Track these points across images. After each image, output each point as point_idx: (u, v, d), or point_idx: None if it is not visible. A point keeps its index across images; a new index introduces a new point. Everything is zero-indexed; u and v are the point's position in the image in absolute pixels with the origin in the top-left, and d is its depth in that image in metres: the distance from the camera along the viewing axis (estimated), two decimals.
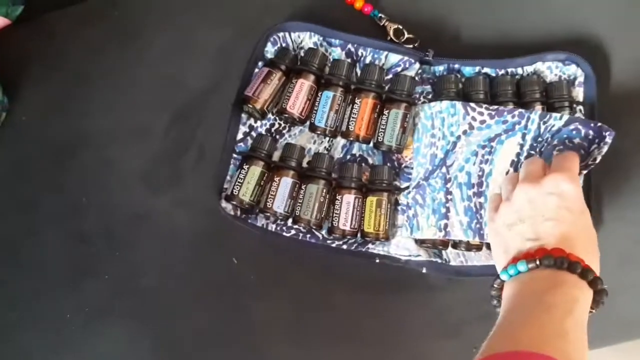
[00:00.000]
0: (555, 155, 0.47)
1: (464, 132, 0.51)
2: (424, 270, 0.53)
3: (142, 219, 0.57)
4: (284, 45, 0.55)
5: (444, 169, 0.52)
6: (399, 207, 0.53)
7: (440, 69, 0.55)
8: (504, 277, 0.42)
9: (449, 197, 0.51)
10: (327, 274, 0.55)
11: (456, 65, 0.55)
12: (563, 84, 0.54)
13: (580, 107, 0.54)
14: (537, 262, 0.40)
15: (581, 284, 0.39)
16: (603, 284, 0.40)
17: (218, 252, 0.56)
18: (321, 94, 0.53)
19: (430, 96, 0.55)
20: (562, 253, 0.40)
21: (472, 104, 0.51)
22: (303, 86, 0.52)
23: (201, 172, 0.57)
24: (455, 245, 0.53)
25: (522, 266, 0.40)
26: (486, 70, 0.55)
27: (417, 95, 0.55)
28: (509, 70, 0.54)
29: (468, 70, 0.54)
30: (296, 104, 0.52)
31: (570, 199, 0.42)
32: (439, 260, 0.53)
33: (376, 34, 0.56)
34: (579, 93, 0.55)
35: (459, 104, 0.51)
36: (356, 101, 0.52)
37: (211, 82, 0.58)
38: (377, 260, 0.53)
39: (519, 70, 0.55)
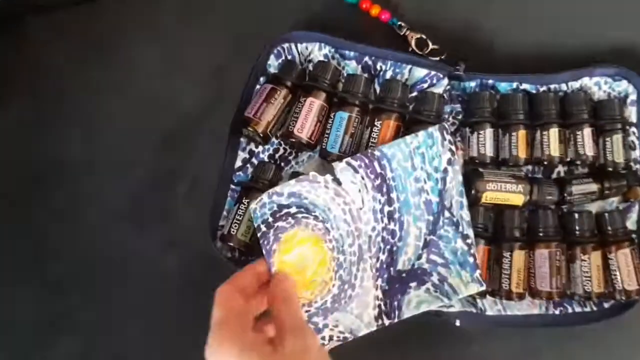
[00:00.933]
0: None
1: (449, 162, 0.45)
2: (458, 323, 0.47)
3: (124, 263, 0.51)
4: (289, 58, 0.48)
5: (447, 214, 0.45)
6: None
7: (471, 84, 0.47)
8: None
9: (469, 241, 0.45)
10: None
11: (490, 81, 0.48)
12: (614, 103, 0.48)
13: (634, 129, 0.48)
14: None
15: None
16: None
17: (211, 299, 0.46)
18: (334, 115, 0.45)
19: (460, 116, 0.47)
20: None
21: (446, 124, 0.46)
22: (313, 106, 0.44)
23: (194, 207, 0.51)
24: (494, 292, 0.46)
25: None
26: (525, 86, 0.48)
27: (446, 116, 0.46)
28: (552, 86, 0.47)
29: (504, 86, 0.47)
30: (305, 126, 0.44)
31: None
32: (474, 310, 0.47)
33: (396, 45, 0.50)
34: (632, 113, 0.49)
35: (436, 131, 0.45)
36: (376, 123, 0.44)
37: (204, 104, 0.53)
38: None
39: (563, 87, 0.47)
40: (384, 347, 0.48)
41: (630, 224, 0.47)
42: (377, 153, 0.44)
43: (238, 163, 0.48)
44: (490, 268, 0.46)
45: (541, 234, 0.47)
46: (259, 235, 0.43)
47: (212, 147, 0.50)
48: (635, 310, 0.46)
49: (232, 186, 0.48)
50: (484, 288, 0.44)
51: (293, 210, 0.44)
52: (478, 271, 0.44)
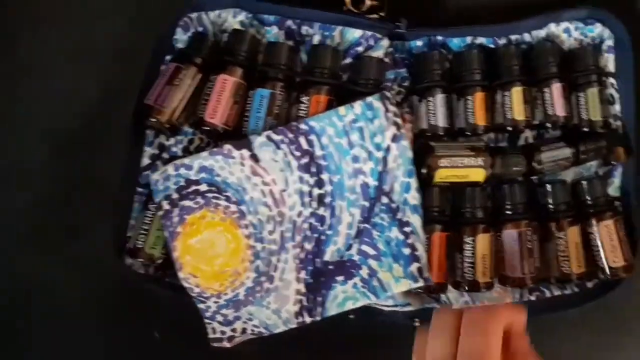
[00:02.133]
0: (463, 319, 0.34)
1: (393, 138, 0.41)
2: (417, 324, 0.43)
3: (25, 290, 0.47)
4: (200, 30, 0.39)
5: (384, 199, 0.41)
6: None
7: (418, 44, 0.40)
8: None
9: (407, 229, 0.40)
10: (287, 340, 0.43)
11: (439, 38, 0.43)
12: (587, 51, 0.44)
13: (612, 79, 0.43)
14: None
15: None
16: None
17: (134, 326, 0.46)
18: (253, 94, 0.36)
19: (407, 83, 0.39)
20: None
21: (388, 93, 0.41)
22: (226, 84, 0.37)
23: (102, 217, 0.45)
24: (457, 284, 0.43)
25: None
26: (481, 41, 0.42)
27: (389, 84, 0.39)
28: (513, 38, 0.42)
29: (456, 42, 0.42)
30: (218, 110, 0.37)
31: None
32: (437, 306, 0.43)
33: (330, 5, 0.44)
34: (608, 61, 0.44)
35: (376, 100, 0.41)
36: (302, 99, 0.37)
37: (108, 96, 0.48)
38: (352, 316, 0.43)
39: (527, 37, 0.40)
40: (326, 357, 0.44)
41: (613, 191, 0.43)
42: (303, 127, 0.40)
43: (145, 161, 0.43)
44: (451, 257, 0.42)
45: (509, 212, 0.43)
46: (160, 214, 0.40)
47: (121, 146, 0.44)
48: (622, 289, 0.43)
49: (139, 189, 0.41)
50: (418, 285, 0.41)
51: (203, 188, 0.40)
52: (416, 264, 0.41)
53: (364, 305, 0.42)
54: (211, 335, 0.41)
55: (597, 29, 0.43)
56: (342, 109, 0.40)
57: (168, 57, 0.43)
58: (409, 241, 0.40)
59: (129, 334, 0.46)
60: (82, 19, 0.48)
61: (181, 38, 0.44)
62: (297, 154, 0.40)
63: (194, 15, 0.43)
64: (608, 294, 0.44)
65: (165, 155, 0.43)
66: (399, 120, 0.41)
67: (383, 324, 0.44)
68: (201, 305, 0.41)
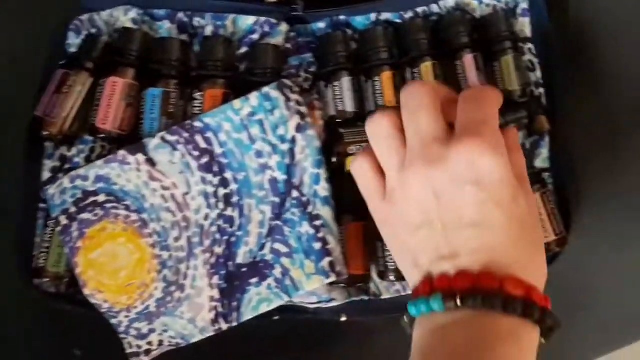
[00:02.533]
0: (460, 97, 0.33)
1: (298, 128, 0.38)
2: (344, 319, 0.41)
3: None
4: (93, 31, 0.37)
5: (295, 193, 0.39)
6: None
7: (320, 26, 0.37)
8: (412, 312, 0.31)
9: (317, 223, 0.38)
10: (211, 350, 0.41)
11: (342, 17, 0.37)
12: (499, 17, 0.38)
13: (530, 45, 0.39)
14: (458, 302, 0.29)
15: (523, 326, 0.29)
16: (553, 318, 0.30)
17: (52, 346, 0.44)
18: (145, 94, 0.34)
19: (313, 68, 0.36)
20: (493, 283, 0.29)
21: (288, 81, 0.39)
22: (116, 87, 0.35)
23: (6, 238, 0.42)
24: (383, 274, 0.40)
25: (436, 304, 0.30)
26: (386, 16, 0.38)
27: (294, 71, 0.37)
28: (419, 10, 0.38)
29: (360, 21, 0.39)
30: (109, 115, 0.35)
31: (495, 184, 0.30)
32: (366, 297, 0.41)
33: None
34: (524, 26, 0.38)
35: (274, 90, 0.38)
36: (196, 95, 0.34)
37: (2, 109, 0.45)
38: (276, 317, 0.41)
39: (435, 8, 0.37)
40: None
41: (541, 162, 0.41)
42: (197, 124, 0.38)
43: (46, 174, 0.40)
44: (371, 246, 0.40)
45: None
46: (58, 230, 0.38)
47: (17, 161, 0.41)
48: (557, 265, 0.41)
49: (42, 205, 0.39)
50: (330, 280, 0.38)
51: (101, 198, 0.38)
52: (327, 259, 0.38)
53: (289, 304, 0.40)
54: (128, 350, 0.39)
55: None
56: (237, 103, 0.38)
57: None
58: (320, 235, 0.38)
59: (49, 354, 0.43)
60: None
61: (74, 42, 0.41)
62: (196, 153, 0.38)
63: (85, 17, 0.41)
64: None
65: (68, 167, 0.41)
66: (302, 109, 0.38)
67: (309, 322, 0.42)
68: (113, 321, 0.39)
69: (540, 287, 0.31)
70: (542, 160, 0.41)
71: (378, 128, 0.33)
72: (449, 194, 0.30)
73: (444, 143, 0.30)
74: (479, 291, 0.29)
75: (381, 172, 0.34)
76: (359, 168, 0.34)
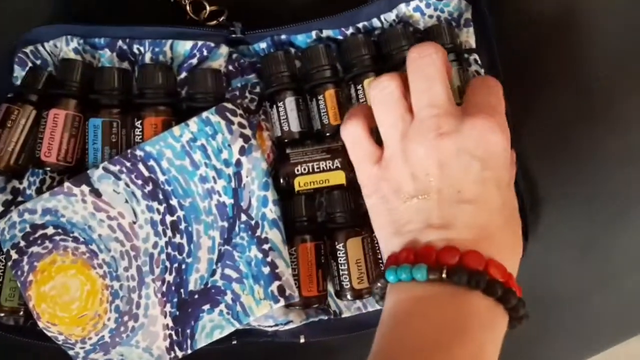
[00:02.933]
0: (472, 81, 0.35)
1: (242, 151, 0.38)
2: (302, 340, 0.41)
3: None
4: (38, 63, 0.37)
5: (243, 217, 0.39)
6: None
7: (262, 46, 0.37)
8: (390, 277, 0.31)
9: (266, 247, 0.38)
10: None
11: (283, 36, 0.36)
12: (441, 28, 0.37)
13: (475, 55, 0.38)
14: (443, 274, 0.29)
15: (498, 311, 0.30)
16: (525, 308, 0.31)
17: None
18: (87, 125, 0.34)
19: (257, 89, 0.36)
20: (480, 263, 0.30)
21: (229, 104, 0.38)
22: (58, 119, 0.35)
23: None
24: (339, 293, 0.41)
25: (419, 273, 0.30)
26: (327, 33, 0.37)
27: (237, 92, 0.36)
28: (360, 26, 0.37)
29: (302, 39, 0.38)
30: (53, 147, 0.35)
31: (499, 165, 0.32)
32: (325, 317, 0.41)
33: (169, 17, 0.42)
34: (469, 36, 0.38)
35: (213, 115, 0.38)
36: (136, 124, 0.33)
37: None
38: (234, 342, 0.41)
39: (376, 23, 0.36)
40: None
41: None
42: (138, 153, 0.38)
43: None
44: (326, 266, 0.41)
45: None
46: (9, 264, 0.38)
47: None
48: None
49: None
50: (280, 305, 0.38)
51: (50, 231, 0.38)
52: (276, 283, 0.38)
53: (247, 327, 0.40)
54: None
55: (453, 3, 0.40)
56: (176, 129, 0.38)
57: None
58: (269, 259, 0.38)
59: None
60: None
61: (20, 74, 0.41)
62: (139, 182, 0.38)
63: (28, 49, 0.41)
64: None
65: (20, 200, 0.41)
66: (246, 132, 0.38)
67: (268, 345, 0.41)
68: (71, 352, 0.39)
69: (514, 277, 0.32)
70: None
71: (386, 92, 0.33)
72: (454, 165, 0.31)
73: (458, 117, 0.31)
74: (464, 268, 0.29)
75: (373, 136, 0.35)
76: (352, 132, 0.35)
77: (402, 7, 0.40)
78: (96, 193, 0.38)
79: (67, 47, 0.41)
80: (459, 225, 0.30)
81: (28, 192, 0.41)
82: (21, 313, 0.39)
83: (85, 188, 0.38)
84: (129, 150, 0.38)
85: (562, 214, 0.44)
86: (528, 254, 0.41)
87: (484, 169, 0.31)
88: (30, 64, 0.41)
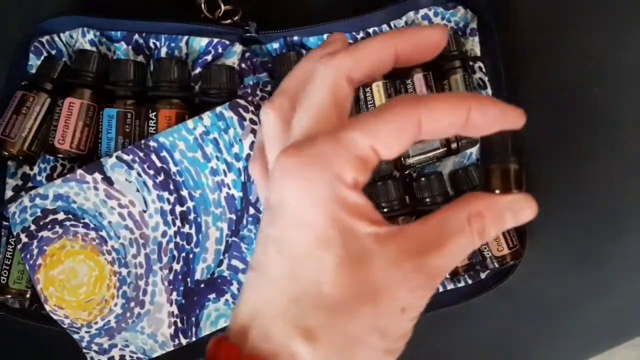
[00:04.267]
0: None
1: (252, 147, 0.40)
2: None
3: None
4: (53, 53, 0.38)
5: (251, 210, 0.40)
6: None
7: (275, 46, 0.38)
8: None
9: None
10: None
11: (295, 38, 0.38)
12: (449, 37, 0.38)
13: (480, 63, 0.40)
14: None
15: None
16: None
17: None
18: (102, 114, 0.35)
19: (268, 87, 0.38)
20: None
21: (242, 101, 0.40)
22: (73, 108, 0.36)
23: None
24: None
25: None
26: None
27: (249, 90, 0.37)
28: (370, 31, 0.39)
29: (313, 41, 0.40)
30: (67, 135, 0.36)
31: None
32: None
33: (185, 13, 0.43)
34: (474, 45, 0.39)
35: (226, 110, 0.40)
36: (150, 115, 0.35)
37: None
38: None
39: (386, 29, 0.39)
40: None
41: None
42: (152, 143, 0.40)
43: (9, 193, 0.41)
44: None
45: (385, 210, 0.42)
46: (19, 247, 0.39)
47: None
48: (516, 277, 0.43)
49: (5, 223, 0.39)
50: None
51: (60, 216, 0.39)
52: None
53: None
54: None
55: (460, 13, 0.42)
56: (190, 122, 0.39)
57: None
58: None
59: None
60: None
61: (35, 63, 0.42)
62: (151, 172, 0.39)
63: (44, 38, 0.42)
64: (503, 282, 0.43)
65: (30, 185, 0.42)
66: (257, 128, 0.40)
67: None
68: (76, 336, 0.40)
69: None
70: None
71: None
72: None
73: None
74: None
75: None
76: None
77: (411, 15, 0.42)
78: (108, 181, 0.39)
79: (83, 38, 0.42)
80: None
81: (38, 178, 0.42)
82: (27, 296, 0.41)
83: (97, 176, 0.39)
84: (142, 141, 0.39)
85: (559, 222, 0.46)
86: (525, 260, 0.43)
87: None
88: (45, 53, 0.43)
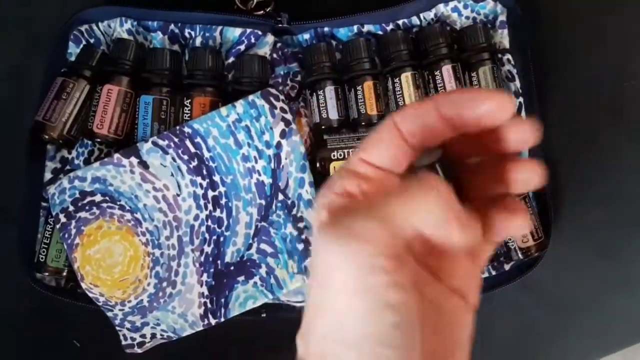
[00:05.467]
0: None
1: (283, 134, 0.41)
2: (264, 315, 0.44)
3: None
4: (92, 41, 0.39)
5: (280, 196, 0.42)
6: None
7: (305, 37, 0.39)
8: None
9: (301, 225, 0.41)
10: (200, 346, 0.44)
11: (326, 29, 0.39)
12: (477, 29, 0.39)
13: (508, 55, 0.41)
14: None
15: None
16: None
17: (53, 338, 0.46)
18: (139, 101, 0.36)
19: (299, 77, 0.39)
20: None
21: (273, 90, 0.41)
22: (111, 94, 0.37)
23: (8, 236, 0.44)
24: None
25: None
26: (369, 28, 0.40)
27: (280, 79, 0.39)
28: (400, 22, 0.39)
29: (344, 32, 0.40)
30: (105, 120, 0.37)
31: None
32: None
33: (219, 4, 0.44)
34: (503, 38, 0.39)
35: (258, 98, 0.41)
36: (185, 103, 0.36)
37: (3, 113, 0.47)
38: (264, 315, 0.44)
39: (415, 21, 0.39)
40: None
41: None
42: (187, 130, 0.41)
43: (48, 175, 0.43)
44: None
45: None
46: (58, 227, 0.41)
47: (20, 163, 0.44)
48: (540, 270, 0.43)
49: (44, 204, 0.42)
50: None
51: (98, 198, 0.41)
52: (309, 259, 0.40)
53: (276, 302, 0.43)
54: (123, 342, 0.42)
55: (489, 5, 0.43)
56: (223, 109, 0.41)
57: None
58: (303, 236, 0.41)
59: (50, 345, 0.46)
60: None
61: (74, 51, 0.45)
62: (185, 157, 0.41)
63: (83, 27, 0.44)
64: (527, 274, 0.44)
65: (68, 168, 0.44)
66: (287, 116, 0.41)
67: (295, 321, 0.44)
68: (109, 314, 0.42)
69: None
70: None
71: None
72: None
73: None
74: None
75: None
76: None
77: (441, 7, 0.43)
78: (144, 165, 0.41)
79: (120, 27, 0.44)
80: None
81: (76, 162, 0.44)
82: (64, 274, 0.43)
83: (134, 160, 0.41)
84: (177, 127, 0.41)
85: (584, 216, 0.46)
86: (549, 254, 0.44)
87: None
88: (84, 42, 0.44)
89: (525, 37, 0.43)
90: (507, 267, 0.45)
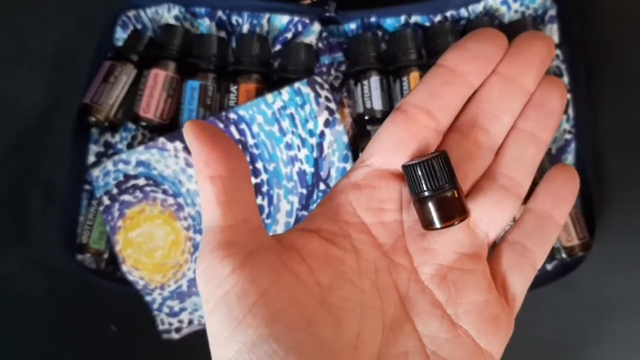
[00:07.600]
0: None
1: (326, 124, 0.41)
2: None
3: None
4: (138, 27, 0.40)
5: (322, 186, 0.42)
6: None
7: (352, 27, 0.39)
8: None
9: None
10: None
11: (373, 19, 0.40)
12: (526, 23, 0.39)
13: (557, 51, 0.39)
14: None
15: None
16: None
17: (90, 320, 0.47)
18: (185, 86, 0.37)
19: (343, 67, 0.39)
20: None
21: (318, 78, 0.41)
22: (158, 79, 0.38)
23: (52, 217, 0.46)
24: None
25: None
26: (416, 19, 0.40)
27: (325, 69, 0.39)
28: (448, 14, 0.39)
29: (390, 23, 0.40)
30: (151, 105, 0.38)
31: None
32: None
33: None
34: (552, 32, 0.39)
35: (304, 86, 0.41)
36: (231, 89, 0.37)
37: (51, 96, 0.49)
38: None
39: (464, 13, 0.39)
40: None
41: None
42: (232, 116, 0.42)
43: (91, 158, 0.44)
44: None
45: None
46: (101, 209, 0.42)
47: (65, 146, 0.46)
48: (580, 272, 0.43)
49: (87, 186, 0.42)
50: None
51: (141, 182, 0.42)
52: None
53: None
54: (160, 327, 0.43)
55: (539, 0, 0.43)
56: (269, 96, 0.41)
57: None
58: None
59: (87, 327, 0.47)
60: (20, 20, 0.49)
61: (121, 36, 0.46)
62: None
63: (131, 13, 0.45)
64: (569, 275, 0.44)
65: (111, 152, 0.45)
66: (332, 106, 0.41)
67: None
68: (148, 298, 0.42)
69: None
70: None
71: None
72: None
73: None
74: None
75: None
76: None
77: (490, 0, 0.43)
78: (188, 150, 0.41)
79: (168, 13, 0.45)
80: None
81: (119, 146, 0.45)
82: (105, 256, 0.44)
83: (179, 144, 0.41)
84: (223, 113, 0.41)
85: (629, 218, 0.45)
86: (591, 255, 0.43)
87: None
88: (132, 27, 0.45)
89: (576, 33, 0.43)
90: (549, 267, 0.44)
